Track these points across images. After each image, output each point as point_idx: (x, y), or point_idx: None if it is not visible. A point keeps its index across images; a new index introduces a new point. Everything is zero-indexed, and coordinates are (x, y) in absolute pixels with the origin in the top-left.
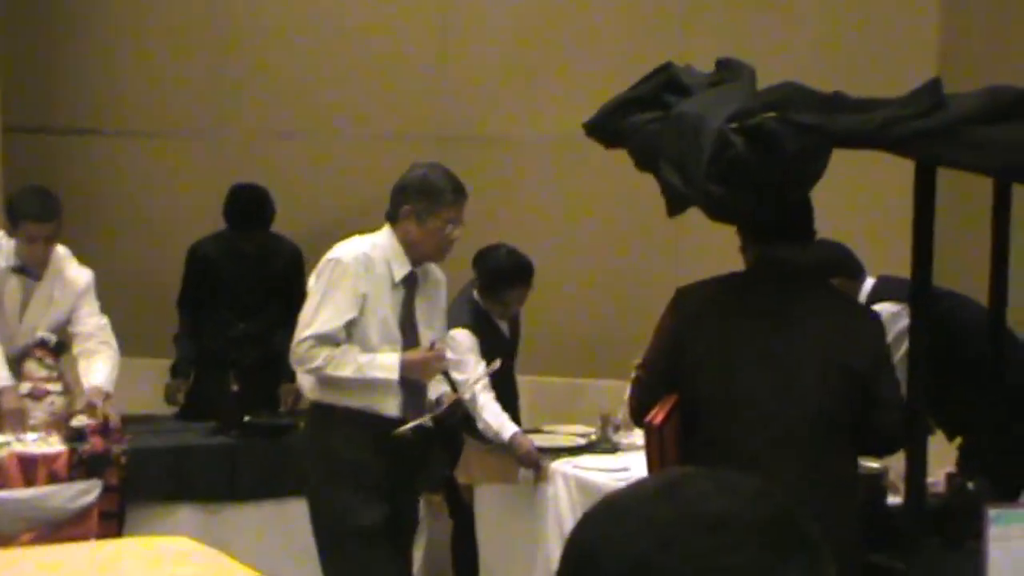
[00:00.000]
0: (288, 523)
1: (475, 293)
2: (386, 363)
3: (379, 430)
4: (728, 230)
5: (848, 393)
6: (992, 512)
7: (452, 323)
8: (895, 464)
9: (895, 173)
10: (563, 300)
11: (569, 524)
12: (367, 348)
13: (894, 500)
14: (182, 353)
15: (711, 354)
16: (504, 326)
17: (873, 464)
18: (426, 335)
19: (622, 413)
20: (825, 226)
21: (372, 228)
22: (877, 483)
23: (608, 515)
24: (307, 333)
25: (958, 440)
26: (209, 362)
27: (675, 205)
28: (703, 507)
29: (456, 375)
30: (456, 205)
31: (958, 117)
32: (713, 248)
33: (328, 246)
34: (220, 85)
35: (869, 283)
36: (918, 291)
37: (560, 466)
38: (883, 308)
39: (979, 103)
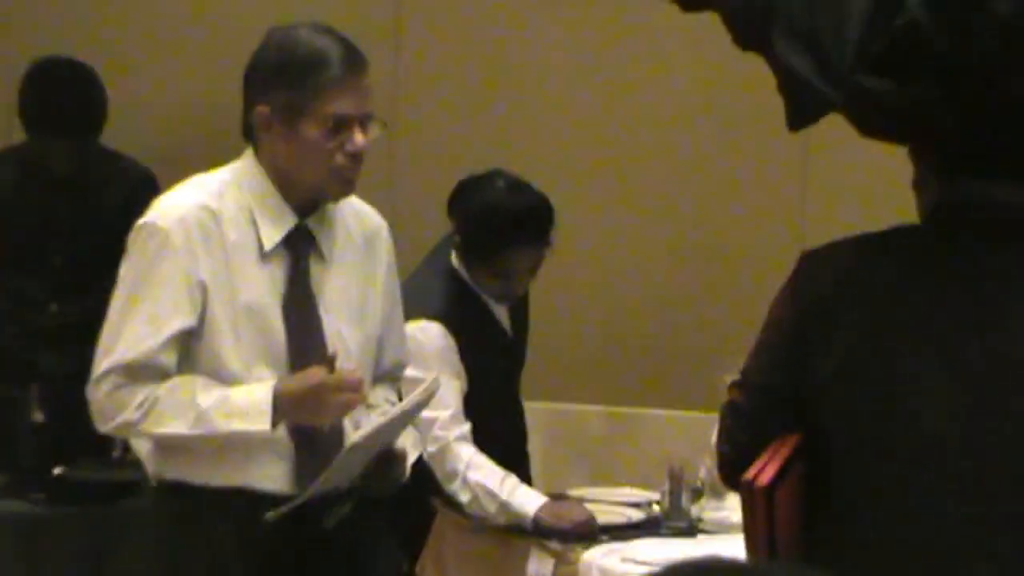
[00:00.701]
0: None
1: (454, 257)
2: (250, 403)
3: (258, 520)
4: (899, 154)
5: None
6: None
7: (411, 311)
8: None
9: None
10: (599, 275)
11: None
12: (225, 379)
13: None
14: None
15: (859, 366)
16: (503, 314)
17: None
18: (347, 337)
19: (706, 467)
20: None
21: None
22: None
23: None
24: (107, 364)
25: None
26: None
27: (802, 110)
28: None
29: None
30: (349, 88)
31: None
32: (865, 184)
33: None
34: None
35: None
36: None
37: (599, 557)
38: None
39: None
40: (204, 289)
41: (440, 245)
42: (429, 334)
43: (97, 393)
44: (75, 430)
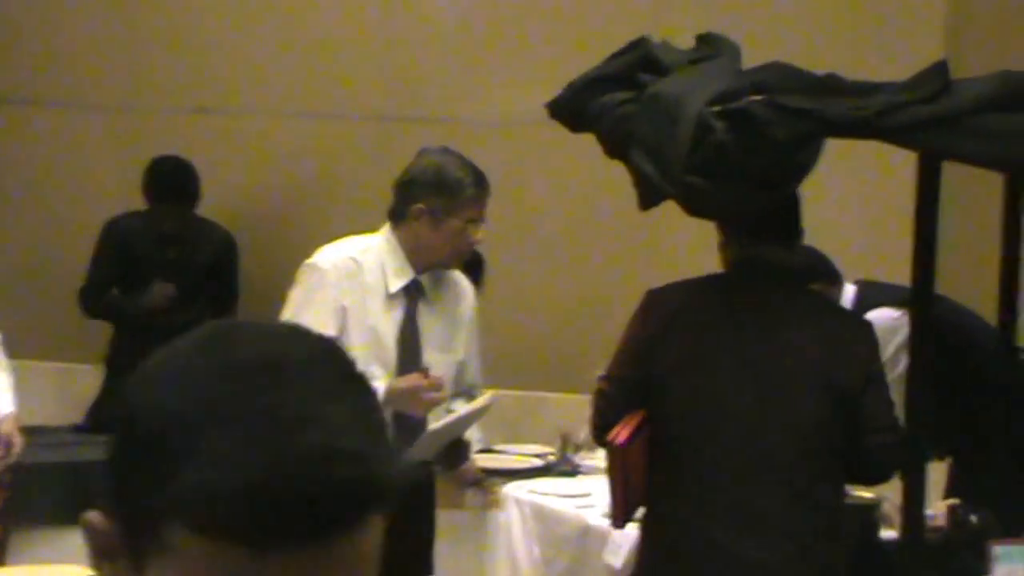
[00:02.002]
0: None
1: None
2: None
3: None
4: (711, 226)
5: (837, 412)
6: (997, 549)
7: None
8: (891, 494)
9: (895, 165)
10: (518, 303)
11: (522, 556)
12: None
13: (889, 534)
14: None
15: (684, 365)
16: None
17: (866, 494)
18: (439, 360)
19: (584, 431)
20: (814, 225)
21: (311, 216)
22: (869, 515)
23: (145, 375)
24: None
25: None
26: (119, 361)
27: (648, 197)
28: (238, 353)
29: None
30: (479, 201)
31: (966, 104)
32: (693, 247)
33: (259, 235)
34: (135, 52)
35: (849, 289)
36: (920, 297)
37: (514, 491)
38: (881, 315)
39: (990, 89)
40: (344, 312)
41: None
42: None
43: None
44: None
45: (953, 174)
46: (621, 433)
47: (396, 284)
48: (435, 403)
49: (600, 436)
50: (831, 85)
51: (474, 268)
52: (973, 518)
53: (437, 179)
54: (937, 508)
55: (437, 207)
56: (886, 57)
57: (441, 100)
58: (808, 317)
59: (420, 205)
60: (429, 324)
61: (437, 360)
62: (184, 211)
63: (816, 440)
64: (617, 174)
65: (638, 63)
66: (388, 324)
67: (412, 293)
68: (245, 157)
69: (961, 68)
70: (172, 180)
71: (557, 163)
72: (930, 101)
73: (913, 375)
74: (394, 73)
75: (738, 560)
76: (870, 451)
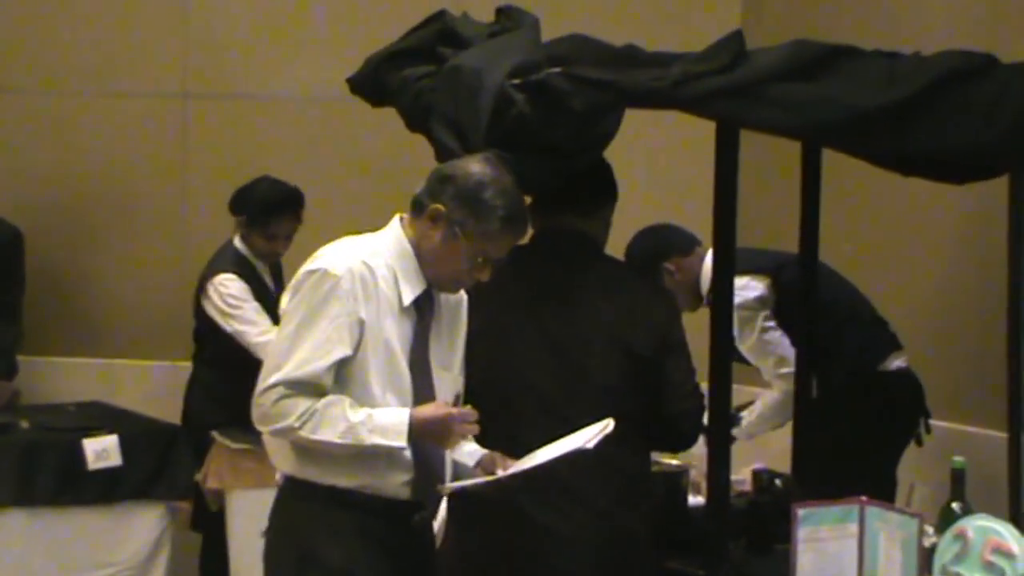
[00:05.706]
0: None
1: (236, 240)
2: (390, 423)
3: (381, 519)
4: None
5: (635, 379)
6: (801, 512)
7: (212, 271)
8: (699, 462)
9: (697, 133)
10: None
11: None
12: (365, 400)
13: (696, 500)
14: None
15: (484, 336)
16: (267, 275)
17: (673, 461)
18: (444, 379)
19: None
20: (620, 192)
21: (112, 198)
22: (676, 481)
23: None
24: (276, 378)
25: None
26: None
27: None
28: None
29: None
30: (503, 239)
31: (760, 73)
32: None
33: (60, 217)
34: None
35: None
36: (721, 265)
37: None
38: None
39: (784, 58)
40: (362, 326)
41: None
42: (229, 281)
43: (265, 400)
44: None
45: (752, 143)
46: None
47: (410, 295)
48: (465, 436)
49: None
50: (629, 56)
51: (293, 199)
52: (777, 482)
53: (473, 193)
54: (744, 474)
55: (459, 220)
56: (684, 29)
57: (242, 76)
58: (606, 285)
59: (442, 207)
60: (436, 341)
61: (442, 379)
62: None
63: (615, 407)
64: (423, 148)
65: (437, 36)
66: (401, 343)
67: (423, 305)
68: (44, 138)
69: (757, 38)
70: None
71: (360, 138)
72: (726, 71)
73: (715, 340)
74: (195, 49)
75: (535, 527)
76: (672, 418)
